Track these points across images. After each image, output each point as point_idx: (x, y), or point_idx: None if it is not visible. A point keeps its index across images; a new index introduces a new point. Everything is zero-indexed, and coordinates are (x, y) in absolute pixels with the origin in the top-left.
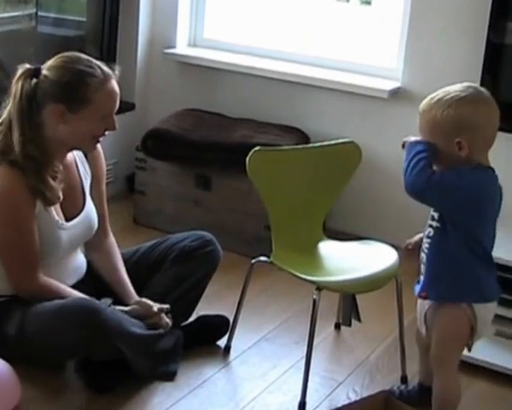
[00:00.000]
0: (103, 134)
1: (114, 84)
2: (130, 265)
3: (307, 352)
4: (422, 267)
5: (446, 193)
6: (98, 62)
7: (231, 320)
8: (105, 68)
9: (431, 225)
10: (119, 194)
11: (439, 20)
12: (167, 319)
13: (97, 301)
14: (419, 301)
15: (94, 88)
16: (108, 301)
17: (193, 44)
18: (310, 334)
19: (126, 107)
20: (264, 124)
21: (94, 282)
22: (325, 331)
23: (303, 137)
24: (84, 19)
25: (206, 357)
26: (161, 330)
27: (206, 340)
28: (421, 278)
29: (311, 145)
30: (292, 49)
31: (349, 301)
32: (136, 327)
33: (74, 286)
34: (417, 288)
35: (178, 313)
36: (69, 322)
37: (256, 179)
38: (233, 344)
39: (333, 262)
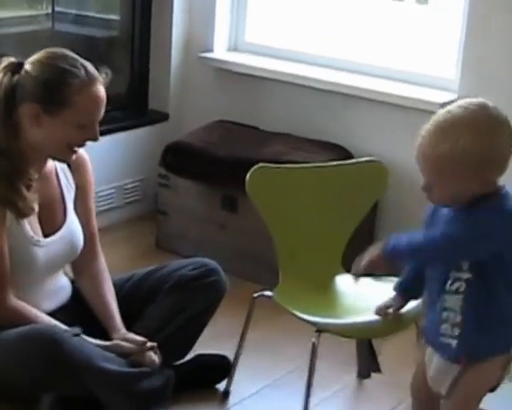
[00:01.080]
0: (82, 144)
1: (99, 90)
2: (122, 293)
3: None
4: (447, 328)
5: (481, 242)
6: (86, 62)
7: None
8: (91, 70)
9: (457, 278)
10: (145, 214)
11: (501, 23)
12: (154, 357)
13: (62, 330)
14: (427, 351)
15: (74, 90)
16: (76, 330)
17: (233, 49)
18: (307, 386)
19: (158, 117)
20: (302, 139)
21: (80, 310)
22: (346, 378)
23: (344, 155)
24: (112, 17)
25: (202, 402)
26: (145, 369)
27: (203, 382)
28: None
29: (327, 164)
30: (338, 55)
31: (364, 349)
32: (110, 363)
33: (55, 312)
34: (443, 351)
35: (172, 350)
36: (27, 353)
37: (258, 202)
38: (233, 389)
39: (347, 301)
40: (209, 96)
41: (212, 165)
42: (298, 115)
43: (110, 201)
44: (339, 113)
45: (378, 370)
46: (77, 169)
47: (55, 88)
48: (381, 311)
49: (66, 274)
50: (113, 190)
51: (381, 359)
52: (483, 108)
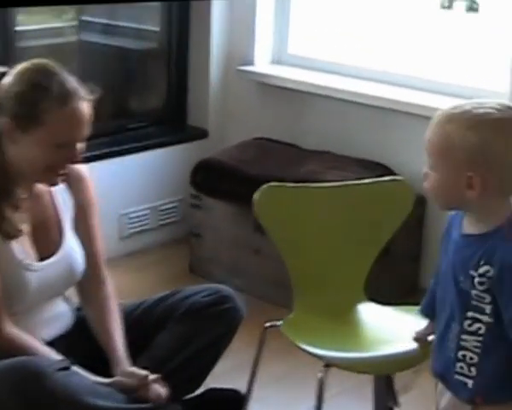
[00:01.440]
0: (62, 167)
1: (77, 108)
2: (131, 321)
3: None
4: (463, 367)
5: None
6: (66, 78)
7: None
8: (69, 86)
9: (478, 320)
10: (181, 236)
11: None
12: (160, 390)
13: (47, 363)
14: (439, 387)
15: (45, 107)
16: (65, 362)
17: (275, 61)
18: None
19: (197, 133)
20: (342, 157)
21: (83, 339)
22: None
23: (387, 175)
24: (147, 28)
25: None
26: (149, 405)
27: None
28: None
29: (344, 183)
30: (384, 68)
31: (381, 382)
32: (102, 399)
33: (55, 341)
34: (457, 390)
35: (181, 383)
36: (4, 387)
37: (267, 223)
38: None
39: (366, 332)
40: (249, 111)
41: (243, 184)
42: (340, 131)
43: (144, 222)
44: (383, 129)
45: (395, 403)
46: (75, 187)
47: (25, 103)
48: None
49: (68, 300)
50: (147, 211)
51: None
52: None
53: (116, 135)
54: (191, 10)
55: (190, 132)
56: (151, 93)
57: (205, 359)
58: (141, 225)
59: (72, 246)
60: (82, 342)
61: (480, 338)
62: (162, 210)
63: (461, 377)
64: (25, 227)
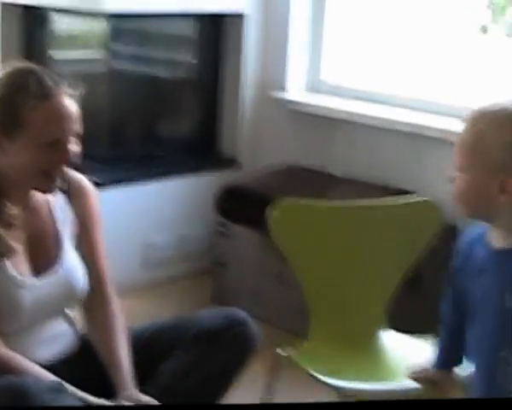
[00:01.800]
0: (56, 168)
1: (61, 103)
2: (138, 345)
3: None
4: None
5: None
6: (45, 74)
7: None
8: (49, 82)
9: None
10: (207, 266)
11: None
12: None
13: (34, 383)
14: None
15: (27, 106)
16: (57, 385)
17: (307, 88)
18: None
19: (228, 161)
20: (372, 186)
21: (88, 362)
22: None
23: None
24: (179, 55)
25: None
26: None
27: None
28: None
29: (367, 204)
30: (418, 95)
31: None
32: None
33: (55, 363)
34: None
35: None
36: None
37: (282, 243)
38: None
39: (386, 362)
40: (281, 138)
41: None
42: (372, 159)
43: (169, 251)
44: (418, 158)
45: None
46: (75, 199)
47: (5, 107)
48: (418, 374)
49: (71, 321)
50: (172, 240)
51: None
52: None
53: (146, 161)
54: (224, 37)
55: (221, 160)
56: (182, 120)
57: (212, 388)
58: (165, 254)
59: (71, 262)
60: (85, 366)
61: None
62: (188, 239)
63: None
64: (19, 243)
